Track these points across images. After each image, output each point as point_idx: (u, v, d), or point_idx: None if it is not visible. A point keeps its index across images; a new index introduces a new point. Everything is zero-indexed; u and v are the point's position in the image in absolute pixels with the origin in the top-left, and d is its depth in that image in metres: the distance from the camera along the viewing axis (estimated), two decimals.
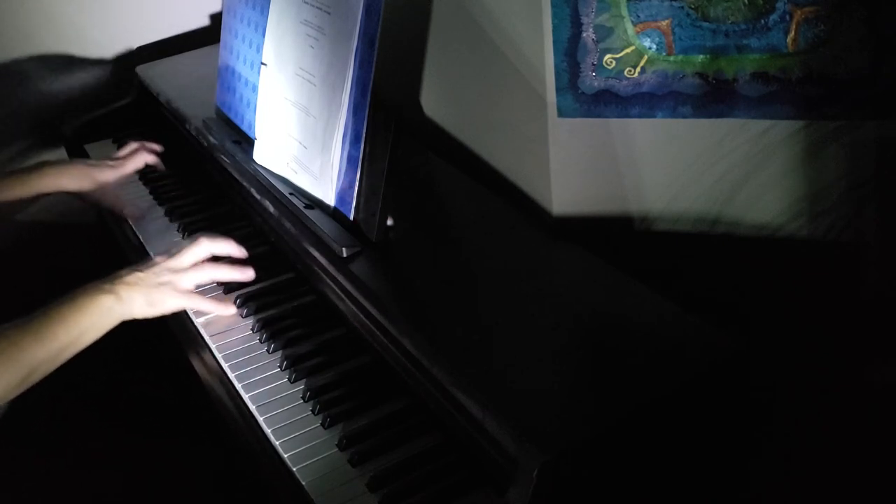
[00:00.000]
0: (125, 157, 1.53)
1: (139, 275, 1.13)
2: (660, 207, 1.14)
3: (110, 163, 1.51)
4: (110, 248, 1.52)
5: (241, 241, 1.36)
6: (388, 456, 0.96)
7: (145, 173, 1.59)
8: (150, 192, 1.54)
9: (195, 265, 1.17)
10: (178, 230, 1.42)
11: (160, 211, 1.48)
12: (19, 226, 1.75)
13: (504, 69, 1.22)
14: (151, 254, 1.37)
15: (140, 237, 1.43)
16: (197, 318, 1.20)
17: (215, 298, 1.21)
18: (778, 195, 1.03)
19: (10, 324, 1.03)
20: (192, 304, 1.17)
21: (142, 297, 1.11)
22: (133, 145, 1.56)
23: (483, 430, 0.87)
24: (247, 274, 1.22)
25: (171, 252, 1.18)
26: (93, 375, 1.27)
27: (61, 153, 1.75)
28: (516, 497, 0.82)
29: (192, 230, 1.41)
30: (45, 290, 1.11)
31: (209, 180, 1.52)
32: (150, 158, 1.55)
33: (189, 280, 1.16)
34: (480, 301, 1.05)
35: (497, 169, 1.33)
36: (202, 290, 1.22)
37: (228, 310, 1.20)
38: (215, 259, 1.21)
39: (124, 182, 1.53)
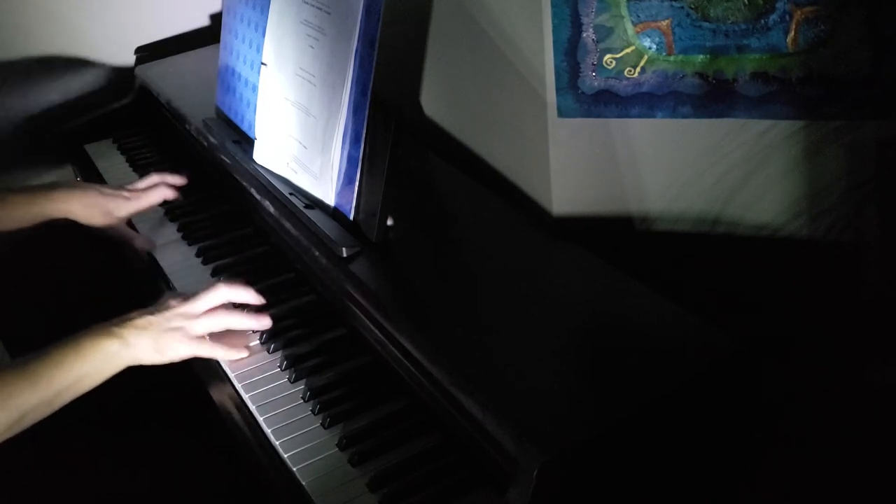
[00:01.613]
0: (142, 191, 1.43)
1: (150, 318, 1.07)
2: (660, 207, 1.14)
3: (126, 194, 1.40)
4: (110, 249, 1.52)
5: (240, 241, 1.37)
6: (388, 456, 0.96)
7: (145, 173, 1.59)
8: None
9: (209, 311, 1.11)
10: (177, 230, 1.42)
11: (160, 211, 1.48)
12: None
13: (504, 69, 1.22)
14: (157, 257, 1.37)
15: (137, 232, 1.42)
16: None
17: (228, 345, 1.13)
18: (778, 195, 1.03)
19: (6, 365, 0.98)
20: (203, 352, 1.10)
21: (150, 342, 1.05)
22: (154, 178, 1.45)
23: (483, 430, 0.87)
24: (263, 322, 1.14)
25: (186, 295, 1.12)
26: None
27: (61, 153, 1.75)
28: (516, 497, 0.82)
29: (191, 230, 1.41)
30: (46, 291, 1.11)
31: (209, 180, 1.52)
32: (168, 194, 1.44)
33: (202, 327, 1.09)
34: (480, 301, 1.05)
35: (497, 169, 1.33)
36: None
37: (241, 355, 1.13)
38: (232, 304, 1.14)
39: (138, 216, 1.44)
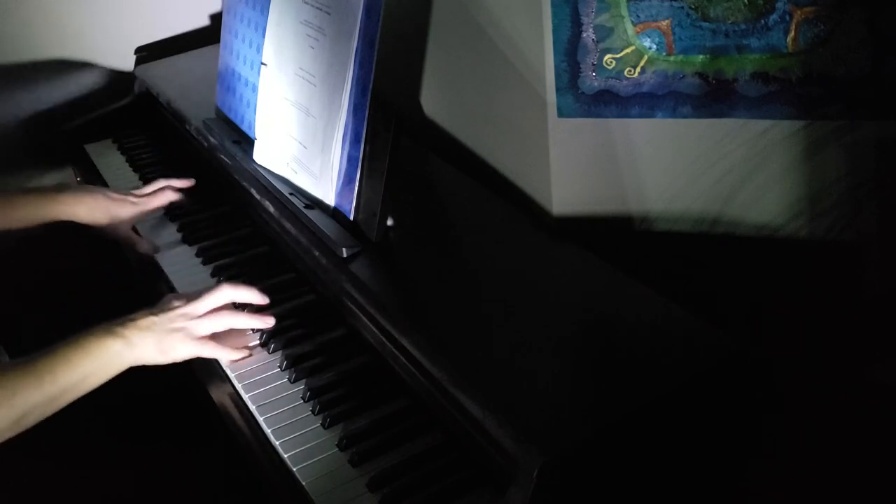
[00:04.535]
0: (149, 195, 1.43)
1: (153, 319, 1.08)
2: (660, 207, 1.14)
3: (132, 199, 1.40)
4: (110, 248, 1.52)
5: (240, 241, 1.37)
6: (389, 456, 0.96)
7: (145, 173, 1.60)
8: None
9: (212, 311, 1.11)
10: (177, 230, 1.42)
11: (160, 211, 1.48)
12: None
13: (504, 69, 1.22)
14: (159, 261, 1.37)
15: (141, 236, 1.42)
16: None
17: (231, 346, 1.13)
18: (778, 195, 1.03)
19: (11, 363, 0.99)
20: (206, 352, 1.10)
21: (153, 342, 1.06)
22: (160, 183, 1.45)
23: (483, 430, 0.87)
24: (266, 322, 1.15)
25: (189, 296, 1.12)
26: None
27: (62, 153, 1.75)
28: (516, 497, 0.82)
29: (191, 230, 1.41)
30: (45, 291, 1.11)
31: (209, 180, 1.52)
32: (174, 197, 1.44)
33: (205, 328, 1.10)
34: (480, 301, 1.05)
35: (497, 169, 1.33)
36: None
37: (242, 355, 1.13)
38: (234, 305, 1.15)
39: (143, 218, 1.44)
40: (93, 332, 1.04)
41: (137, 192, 1.44)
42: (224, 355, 1.12)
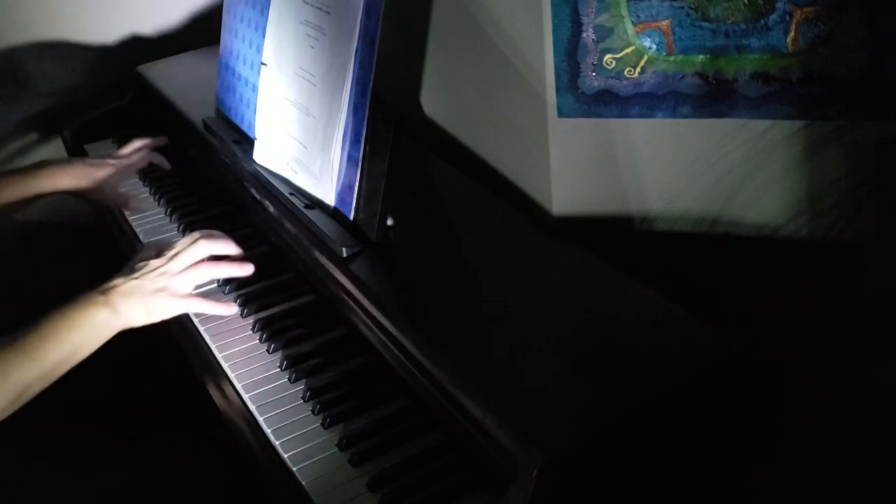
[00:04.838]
0: (126, 156, 1.50)
1: (134, 282, 1.08)
2: (660, 207, 1.14)
3: (111, 161, 1.47)
4: (110, 249, 1.52)
5: (241, 241, 1.37)
6: (389, 456, 0.96)
7: (146, 172, 1.60)
8: (150, 192, 1.54)
9: (192, 265, 1.13)
10: (178, 230, 1.42)
11: (160, 211, 1.48)
12: (19, 226, 1.75)
13: (504, 69, 1.22)
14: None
15: (140, 237, 1.43)
16: (196, 317, 1.20)
17: (216, 299, 1.18)
18: (778, 195, 1.03)
19: None
20: (192, 307, 1.13)
21: (139, 306, 1.07)
22: (136, 143, 1.53)
23: (483, 430, 0.87)
24: (246, 269, 1.18)
25: (165, 253, 1.14)
26: (93, 376, 1.27)
27: (61, 153, 1.75)
28: (516, 497, 0.82)
29: (191, 230, 1.41)
30: (45, 291, 1.11)
31: (209, 180, 1.52)
32: (153, 157, 1.51)
33: (188, 283, 1.12)
34: (481, 301, 1.05)
35: (497, 169, 1.33)
36: (201, 288, 1.21)
37: (231, 310, 1.18)
38: (213, 257, 1.18)
39: (125, 180, 1.51)
40: (77, 304, 1.05)
41: (115, 153, 1.50)
42: (211, 308, 1.15)
